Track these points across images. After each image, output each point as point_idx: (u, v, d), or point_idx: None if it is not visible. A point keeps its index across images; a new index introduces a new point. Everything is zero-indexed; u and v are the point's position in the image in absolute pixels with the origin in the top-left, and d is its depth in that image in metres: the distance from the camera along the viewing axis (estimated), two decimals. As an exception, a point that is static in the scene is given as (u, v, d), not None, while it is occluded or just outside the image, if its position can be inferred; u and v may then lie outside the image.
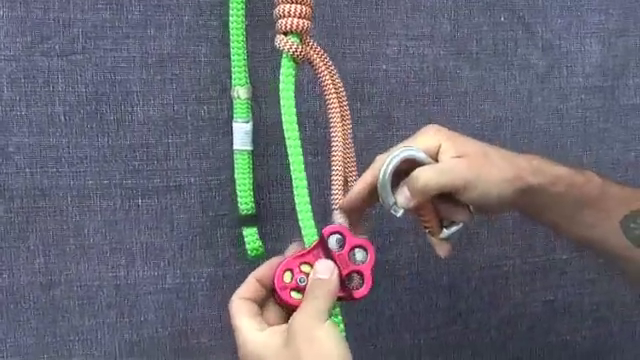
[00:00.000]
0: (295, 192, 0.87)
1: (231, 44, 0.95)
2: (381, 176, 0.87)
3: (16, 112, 0.95)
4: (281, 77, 0.88)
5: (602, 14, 1.14)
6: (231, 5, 0.94)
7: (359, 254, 0.87)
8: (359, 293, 0.86)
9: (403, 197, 0.88)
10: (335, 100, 0.92)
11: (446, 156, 0.87)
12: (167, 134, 1.00)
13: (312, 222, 0.87)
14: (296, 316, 0.83)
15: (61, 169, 0.97)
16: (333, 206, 0.90)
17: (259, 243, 0.99)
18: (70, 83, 0.96)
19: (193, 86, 0.99)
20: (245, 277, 0.98)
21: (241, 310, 0.86)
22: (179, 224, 1.02)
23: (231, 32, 0.95)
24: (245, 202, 0.98)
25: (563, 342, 1.21)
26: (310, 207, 0.87)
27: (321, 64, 0.91)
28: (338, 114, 0.92)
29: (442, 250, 0.92)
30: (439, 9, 1.07)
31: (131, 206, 1.00)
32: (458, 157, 0.87)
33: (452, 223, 0.92)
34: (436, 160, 0.88)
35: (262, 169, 1.03)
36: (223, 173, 1.01)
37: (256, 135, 0.99)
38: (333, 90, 0.92)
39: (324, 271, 0.85)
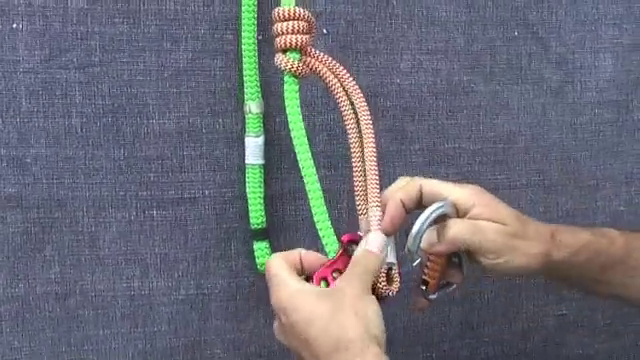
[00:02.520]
0: (312, 204, 0.87)
1: (243, 59, 0.96)
2: (417, 227, 0.88)
3: (34, 124, 0.96)
4: (285, 94, 0.89)
5: (616, 29, 1.14)
6: (243, 21, 0.95)
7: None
8: (390, 290, 0.88)
9: (427, 242, 0.89)
10: (349, 108, 0.91)
11: (481, 215, 0.88)
12: (182, 146, 1.01)
13: (332, 231, 0.88)
14: (343, 281, 0.83)
15: (77, 180, 0.98)
16: (358, 213, 0.91)
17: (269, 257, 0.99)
18: (87, 95, 0.97)
19: (208, 99, 1.00)
20: (258, 289, 1.00)
21: (283, 265, 0.85)
22: (193, 236, 1.03)
23: (243, 47, 0.95)
24: (256, 216, 0.99)
25: (576, 356, 1.21)
26: (328, 217, 0.88)
27: (329, 74, 0.91)
28: (354, 122, 0.92)
29: (421, 307, 0.94)
30: (453, 24, 1.08)
31: (146, 217, 1.01)
32: (493, 221, 0.87)
33: (447, 284, 0.93)
34: (460, 217, 0.89)
35: (275, 182, 1.03)
36: (237, 185, 1.01)
37: (269, 149, 1.00)
38: (346, 97, 0.91)
39: (376, 245, 0.86)
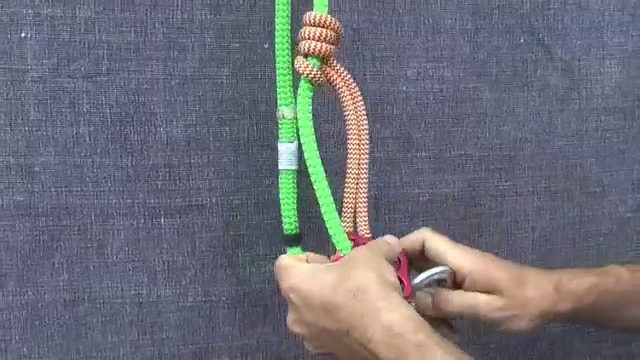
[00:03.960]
0: (322, 207, 0.89)
1: (277, 64, 0.94)
2: (417, 281, 0.90)
3: (42, 132, 0.97)
4: (298, 99, 0.90)
5: (622, 36, 1.15)
6: (277, 27, 0.94)
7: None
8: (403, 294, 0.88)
9: (421, 305, 0.91)
10: (354, 125, 0.93)
11: (476, 287, 0.89)
12: (189, 154, 1.01)
13: (345, 236, 0.90)
14: (357, 249, 0.86)
15: (85, 188, 0.99)
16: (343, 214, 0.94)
17: None
18: (95, 104, 0.98)
19: (215, 107, 1.01)
20: (266, 296, 1.00)
21: (291, 259, 0.88)
22: (201, 243, 1.03)
23: (277, 53, 0.94)
24: (289, 222, 0.97)
25: (583, 362, 1.21)
26: (339, 221, 0.90)
27: (344, 88, 0.92)
28: (355, 138, 0.93)
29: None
30: (459, 31, 1.08)
31: (154, 225, 1.01)
32: (487, 292, 0.89)
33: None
34: (458, 282, 0.90)
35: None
36: (244, 193, 1.02)
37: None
38: (353, 115, 0.93)
39: (391, 239, 0.89)
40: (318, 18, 0.88)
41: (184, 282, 1.03)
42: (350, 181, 0.94)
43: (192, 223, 1.03)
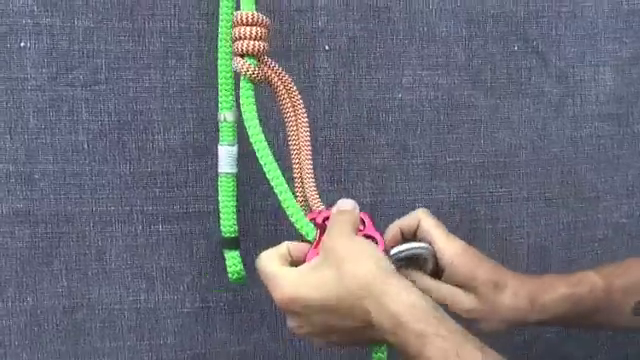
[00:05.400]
0: (278, 194, 0.90)
1: (218, 68, 0.96)
2: (392, 252, 0.91)
3: (41, 140, 0.98)
4: (241, 99, 0.91)
5: (616, 43, 1.15)
6: (220, 30, 0.95)
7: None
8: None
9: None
10: (293, 121, 0.95)
11: (454, 279, 0.91)
12: (187, 162, 1.02)
13: (304, 217, 0.90)
14: (325, 236, 0.85)
15: (84, 195, 1.00)
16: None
17: (240, 267, 0.99)
18: (93, 112, 0.99)
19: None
20: (262, 303, 1.01)
21: (272, 260, 0.86)
22: (198, 249, 1.04)
23: (218, 57, 0.96)
24: (228, 225, 0.98)
25: (579, 367, 1.22)
26: (298, 205, 0.91)
27: (280, 84, 0.93)
28: (295, 133, 0.95)
29: None
30: (453, 39, 1.09)
31: (152, 232, 1.02)
32: (464, 286, 0.90)
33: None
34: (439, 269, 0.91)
35: (247, 193, 1.04)
36: (241, 200, 1.02)
37: (242, 158, 1.00)
38: (292, 111, 0.94)
39: (346, 205, 0.89)
40: (249, 17, 0.89)
41: (182, 288, 1.04)
42: (295, 163, 0.95)
43: (190, 230, 1.04)
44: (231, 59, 0.94)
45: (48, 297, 1.01)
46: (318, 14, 1.04)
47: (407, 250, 0.91)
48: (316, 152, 1.03)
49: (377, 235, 0.90)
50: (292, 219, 0.90)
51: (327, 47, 1.05)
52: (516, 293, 0.91)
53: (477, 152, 1.11)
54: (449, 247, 0.91)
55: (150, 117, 1.00)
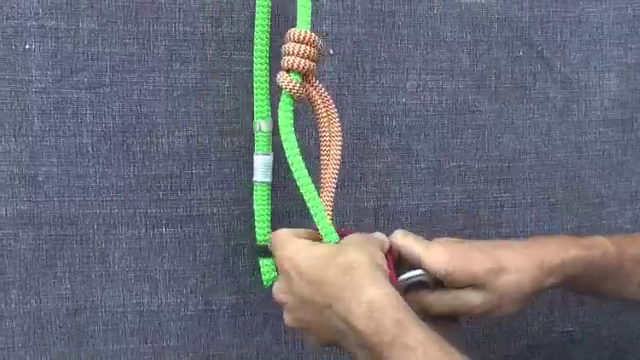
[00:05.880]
0: (307, 201, 0.91)
1: (254, 78, 0.97)
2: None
3: (46, 142, 0.98)
4: (279, 112, 0.92)
5: (621, 48, 1.15)
6: (255, 40, 0.96)
7: None
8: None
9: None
10: (328, 145, 0.95)
11: (456, 284, 0.90)
12: (191, 165, 1.02)
13: (330, 225, 0.91)
14: (352, 235, 0.88)
15: (88, 198, 1.00)
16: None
17: (275, 274, 1.00)
18: (98, 115, 0.99)
19: (216, 118, 1.02)
20: (266, 305, 1.01)
21: (289, 233, 0.89)
22: (202, 252, 1.04)
23: (254, 66, 0.97)
24: (262, 233, 0.99)
25: (582, 373, 1.22)
26: (325, 213, 0.91)
27: (322, 106, 0.94)
28: (326, 154, 0.95)
29: None
30: (458, 44, 1.09)
31: (155, 235, 1.02)
32: (470, 286, 0.90)
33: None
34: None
35: (281, 201, 1.04)
36: (245, 203, 1.02)
37: (277, 167, 1.01)
38: (327, 135, 0.95)
39: (380, 235, 0.90)
40: (302, 35, 0.90)
41: (185, 291, 1.04)
42: (322, 175, 0.96)
43: (193, 233, 1.04)
44: (266, 69, 0.96)
45: (51, 299, 1.01)
46: (323, 18, 1.04)
47: (410, 279, 0.91)
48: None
49: (392, 274, 0.88)
50: (317, 222, 0.91)
51: (332, 51, 1.05)
52: (520, 269, 0.90)
53: (481, 157, 1.11)
54: (439, 259, 0.90)
55: (154, 120, 1.00)
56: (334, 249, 0.85)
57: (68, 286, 1.01)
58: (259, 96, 0.98)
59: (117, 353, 1.03)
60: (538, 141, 1.13)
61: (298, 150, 0.91)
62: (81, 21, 0.97)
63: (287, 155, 0.91)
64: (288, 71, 0.91)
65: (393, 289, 0.81)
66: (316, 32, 0.92)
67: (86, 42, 0.98)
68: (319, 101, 0.94)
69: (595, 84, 1.15)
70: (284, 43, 0.92)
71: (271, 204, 1.00)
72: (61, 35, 0.97)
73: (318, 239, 0.91)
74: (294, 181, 0.91)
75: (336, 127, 0.95)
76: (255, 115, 0.98)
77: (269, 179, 0.99)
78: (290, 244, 0.87)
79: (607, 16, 1.14)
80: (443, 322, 0.92)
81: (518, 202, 1.14)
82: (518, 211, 1.14)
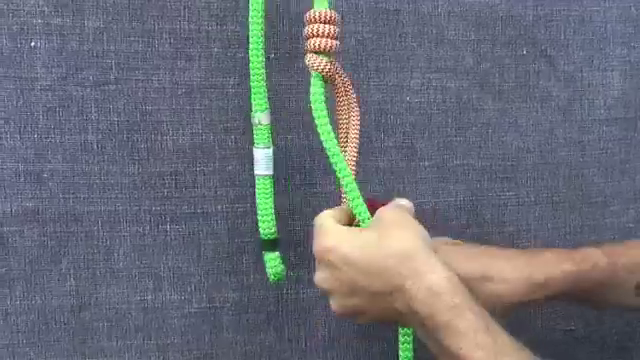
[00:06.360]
0: (344, 185, 0.90)
1: (251, 71, 0.97)
2: None
3: (51, 140, 0.99)
4: (312, 96, 0.90)
5: (624, 47, 1.15)
6: (251, 33, 0.96)
7: None
8: None
9: None
10: (345, 119, 0.95)
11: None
12: (195, 162, 1.03)
13: (365, 207, 0.90)
14: (384, 209, 0.86)
15: (93, 195, 1.00)
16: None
17: (281, 267, 1.01)
18: (103, 112, 0.99)
19: (221, 116, 1.02)
20: (269, 303, 1.01)
21: (329, 217, 0.87)
22: (206, 250, 1.04)
23: (250, 59, 0.96)
24: (266, 227, 0.99)
25: (585, 372, 1.22)
26: (359, 194, 0.90)
27: (340, 84, 0.94)
28: (345, 130, 0.95)
29: None
30: (462, 43, 1.09)
31: (159, 232, 1.03)
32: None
33: None
34: None
35: (283, 196, 1.05)
36: (249, 201, 1.03)
37: (277, 161, 1.01)
38: (346, 110, 0.95)
39: (405, 201, 0.90)
40: (324, 15, 0.89)
41: (189, 288, 1.05)
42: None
43: (197, 230, 1.04)
44: (263, 61, 0.95)
45: (56, 296, 1.01)
46: (327, 16, 1.04)
47: None
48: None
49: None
50: (352, 205, 0.90)
51: (336, 49, 1.05)
52: (507, 279, 0.91)
53: (485, 155, 1.12)
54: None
55: (159, 117, 1.01)
56: (380, 233, 0.83)
57: (73, 283, 1.02)
58: (256, 89, 0.97)
59: (121, 349, 1.04)
60: (541, 140, 1.14)
61: (332, 132, 0.89)
62: (86, 19, 0.97)
63: (322, 139, 0.89)
64: (317, 53, 0.90)
65: (451, 272, 0.80)
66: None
67: (91, 40, 0.98)
68: (339, 80, 0.93)
69: (598, 83, 1.15)
70: (306, 24, 0.90)
71: (274, 197, 1.00)
72: (66, 33, 0.97)
73: (351, 216, 0.90)
74: (298, 173, 0.91)
75: (354, 104, 0.94)
76: (253, 108, 0.98)
77: (271, 172, 0.99)
78: (329, 231, 0.85)
79: (610, 15, 1.14)
80: None
81: (521, 200, 1.14)
82: (521, 209, 1.14)
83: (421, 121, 1.09)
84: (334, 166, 0.89)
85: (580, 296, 0.96)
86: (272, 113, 0.99)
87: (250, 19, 0.95)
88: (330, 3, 0.90)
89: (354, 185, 0.90)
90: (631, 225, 1.19)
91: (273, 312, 1.07)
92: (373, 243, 0.82)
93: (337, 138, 0.92)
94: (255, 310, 1.07)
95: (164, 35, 1.00)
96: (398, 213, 0.86)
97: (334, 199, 0.96)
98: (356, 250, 0.82)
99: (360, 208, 0.89)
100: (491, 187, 1.13)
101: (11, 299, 1.00)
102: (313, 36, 0.90)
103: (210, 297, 1.05)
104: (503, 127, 1.12)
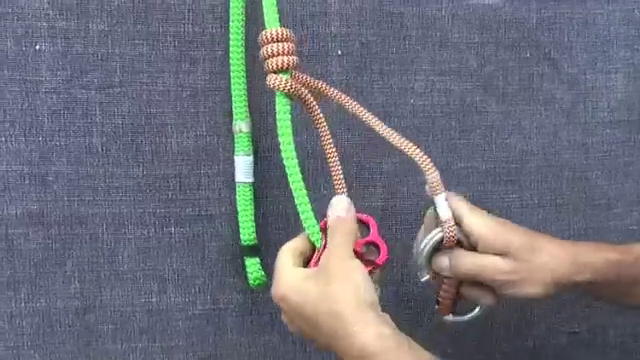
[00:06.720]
0: (296, 197, 0.89)
1: (231, 79, 0.98)
2: (421, 247, 0.93)
3: (55, 142, 0.99)
4: (277, 115, 0.89)
5: (627, 50, 1.15)
6: (231, 42, 0.97)
7: (362, 229, 0.91)
8: (381, 259, 0.89)
9: (437, 266, 0.93)
10: (326, 129, 0.94)
11: (489, 249, 0.90)
12: (200, 165, 1.03)
13: (316, 226, 0.90)
14: (325, 256, 0.86)
15: (97, 198, 1.01)
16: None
17: (261, 273, 1.02)
18: (107, 115, 1.00)
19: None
20: (273, 305, 1.01)
21: (288, 256, 0.88)
22: (210, 252, 1.05)
23: (231, 68, 0.98)
24: (247, 233, 1.01)
25: (588, 374, 1.22)
26: (311, 209, 0.89)
27: (309, 96, 0.92)
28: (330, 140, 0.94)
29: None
30: (466, 45, 1.09)
31: (164, 234, 1.03)
32: (501, 254, 0.90)
33: (471, 309, 0.96)
34: (472, 245, 0.92)
35: (264, 202, 1.05)
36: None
37: (257, 168, 1.02)
38: (324, 118, 0.93)
39: (341, 208, 0.89)
40: (278, 34, 0.88)
41: (193, 290, 1.05)
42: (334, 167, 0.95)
43: (202, 232, 1.04)
44: (243, 69, 0.97)
45: (61, 298, 1.01)
46: (331, 19, 1.04)
47: (427, 245, 0.92)
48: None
49: (381, 243, 0.90)
50: (306, 227, 0.90)
51: (340, 52, 1.05)
52: (553, 253, 0.91)
53: (488, 158, 1.12)
54: (478, 222, 0.91)
55: (163, 120, 1.01)
56: (320, 287, 0.83)
57: (77, 285, 1.02)
58: (237, 97, 0.99)
59: (126, 352, 1.04)
60: (545, 142, 1.14)
61: (294, 152, 0.89)
62: (91, 22, 0.98)
63: (283, 155, 0.88)
64: (276, 72, 0.90)
65: (381, 325, 0.80)
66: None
67: (96, 43, 0.98)
68: (305, 92, 0.92)
69: (602, 85, 1.15)
70: (261, 46, 0.89)
71: (255, 204, 1.01)
72: (71, 36, 0.97)
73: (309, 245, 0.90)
74: (280, 181, 0.91)
75: (320, 118, 0.93)
76: (234, 117, 0.99)
77: (251, 179, 1.01)
78: (282, 278, 0.86)
79: (614, 17, 1.14)
80: (479, 290, 0.94)
81: (525, 203, 1.14)
82: (525, 212, 1.14)
83: (425, 124, 1.09)
84: (291, 184, 0.89)
85: (616, 289, 0.95)
86: (261, 116, 1.01)
87: (230, 26, 0.96)
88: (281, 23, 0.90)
89: (308, 206, 0.90)
90: (635, 227, 1.19)
91: (277, 314, 1.05)
92: (313, 299, 0.83)
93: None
94: (259, 312, 1.07)
95: (168, 38, 1.00)
96: (340, 260, 0.85)
97: (324, 203, 0.95)
98: (300, 303, 0.84)
99: (312, 229, 0.89)
100: (495, 190, 1.13)
101: (16, 302, 1.00)
102: (270, 56, 0.89)
103: (214, 299, 1.06)
104: (507, 130, 1.12)
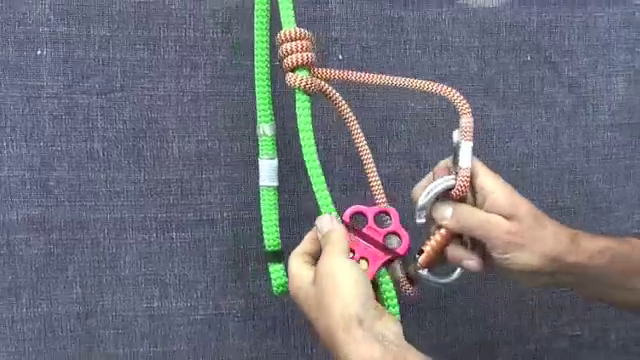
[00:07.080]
0: (317, 198, 0.90)
1: (256, 82, 0.97)
2: (430, 187, 0.93)
3: (57, 147, 0.99)
4: (297, 111, 0.91)
5: (628, 53, 1.15)
6: (256, 45, 0.97)
7: (385, 219, 0.92)
8: (402, 249, 0.90)
9: (439, 214, 0.93)
10: (355, 121, 0.95)
11: (496, 209, 0.90)
12: (201, 170, 1.03)
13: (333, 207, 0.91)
14: (320, 260, 0.86)
15: (99, 203, 1.01)
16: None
17: (285, 280, 0.98)
18: (109, 120, 1.00)
19: (226, 123, 1.02)
20: (275, 309, 1.02)
21: (299, 261, 0.89)
22: (212, 257, 1.05)
23: (256, 70, 0.97)
24: (271, 238, 0.98)
25: (590, 377, 1.22)
26: (329, 195, 0.91)
27: (334, 92, 0.94)
28: (360, 132, 0.96)
29: (411, 282, 0.95)
30: (467, 49, 1.09)
31: (165, 239, 1.03)
32: (505, 216, 0.89)
33: (449, 274, 0.95)
34: (479, 203, 0.91)
35: (290, 205, 1.05)
36: (254, 208, 1.03)
37: (282, 171, 1.01)
38: (351, 113, 0.95)
39: (326, 225, 0.89)
40: (292, 33, 0.90)
41: (195, 295, 1.05)
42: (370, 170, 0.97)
43: (203, 237, 1.04)
44: (268, 72, 0.96)
45: (62, 303, 1.02)
46: (332, 24, 1.04)
47: (430, 194, 0.93)
48: (328, 160, 1.04)
49: (403, 233, 0.91)
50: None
51: (341, 56, 1.05)
52: (555, 232, 0.90)
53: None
54: (491, 181, 0.91)
55: (165, 125, 1.01)
56: (316, 299, 0.84)
57: (79, 290, 1.02)
58: (261, 100, 0.98)
59: (128, 357, 1.04)
60: (546, 145, 1.14)
61: (315, 150, 0.90)
62: (92, 27, 0.98)
63: (303, 152, 0.90)
64: (293, 70, 0.92)
65: (371, 343, 0.80)
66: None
67: (97, 48, 0.98)
68: (329, 88, 0.94)
69: (603, 88, 1.15)
70: (278, 47, 0.92)
71: (279, 208, 1.00)
72: (72, 41, 0.98)
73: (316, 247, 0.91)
74: (301, 183, 0.91)
75: (346, 110, 0.96)
76: (258, 119, 0.98)
77: (276, 183, 0.99)
78: (292, 279, 0.87)
79: (614, 21, 1.14)
80: (465, 252, 0.93)
81: (526, 206, 1.14)
82: (526, 215, 1.14)
83: (425, 127, 1.09)
84: (311, 179, 0.90)
85: (611, 278, 0.93)
86: (282, 120, 1.01)
87: (255, 28, 0.96)
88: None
89: (325, 192, 0.91)
90: (635, 230, 1.19)
91: (279, 318, 1.07)
92: (315, 311, 0.84)
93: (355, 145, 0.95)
94: (261, 317, 1.07)
95: (170, 43, 1.00)
96: (332, 266, 0.85)
97: (340, 206, 0.96)
98: (304, 307, 0.86)
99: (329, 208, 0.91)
100: (496, 193, 1.12)
101: (17, 307, 1.00)
102: (287, 55, 0.91)
103: (216, 304, 1.06)
104: (508, 133, 1.12)
